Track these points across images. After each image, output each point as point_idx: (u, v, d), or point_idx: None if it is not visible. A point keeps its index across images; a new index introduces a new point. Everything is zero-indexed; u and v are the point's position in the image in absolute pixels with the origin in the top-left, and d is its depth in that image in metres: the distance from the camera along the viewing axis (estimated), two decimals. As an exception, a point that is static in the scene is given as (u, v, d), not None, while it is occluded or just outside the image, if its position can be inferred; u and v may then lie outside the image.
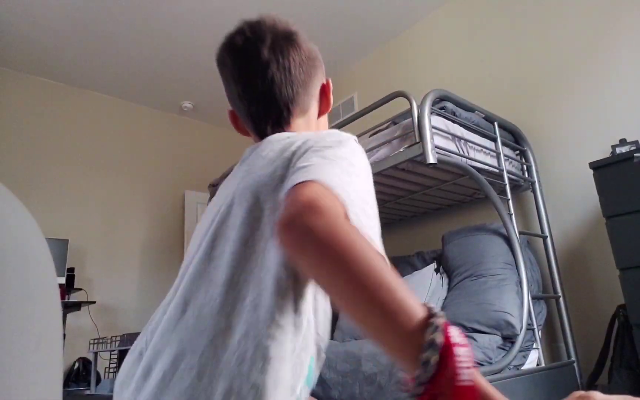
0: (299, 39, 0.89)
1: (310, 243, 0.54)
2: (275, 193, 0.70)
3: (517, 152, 2.78)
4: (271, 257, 0.66)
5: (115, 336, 2.67)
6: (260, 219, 0.70)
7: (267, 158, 0.75)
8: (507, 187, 2.44)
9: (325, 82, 0.94)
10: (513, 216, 2.39)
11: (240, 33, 0.88)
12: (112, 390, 2.46)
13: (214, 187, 3.59)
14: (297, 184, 0.62)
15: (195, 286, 0.69)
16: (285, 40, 0.87)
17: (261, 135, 0.87)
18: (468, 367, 0.46)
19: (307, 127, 0.90)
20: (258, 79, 0.84)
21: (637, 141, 2.25)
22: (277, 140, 0.78)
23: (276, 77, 0.84)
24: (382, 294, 0.50)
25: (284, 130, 0.86)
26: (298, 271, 0.66)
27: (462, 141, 2.31)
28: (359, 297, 0.51)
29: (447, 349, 0.46)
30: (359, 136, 2.59)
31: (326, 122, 0.98)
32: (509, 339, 2.16)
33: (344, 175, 0.65)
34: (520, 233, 2.40)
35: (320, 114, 0.94)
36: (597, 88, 2.62)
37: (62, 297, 3.52)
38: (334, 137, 0.74)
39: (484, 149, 2.46)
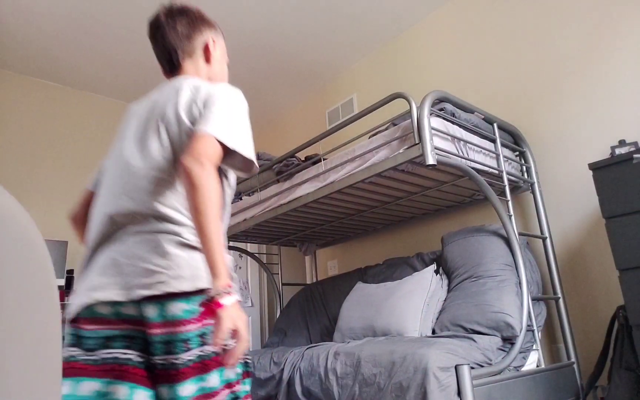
0: (189, 9, 1.33)
1: (192, 185, 0.99)
2: (189, 114, 1.14)
3: (517, 153, 2.79)
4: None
5: (115, 338, 2.67)
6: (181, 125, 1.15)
7: (184, 91, 1.17)
8: (507, 188, 2.44)
9: (211, 41, 1.34)
10: (512, 217, 2.39)
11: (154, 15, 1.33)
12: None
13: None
14: (199, 134, 1.05)
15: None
16: (177, 10, 1.31)
17: (170, 72, 1.31)
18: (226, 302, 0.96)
19: (196, 68, 1.31)
20: (158, 33, 1.29)
21: (636, 142, 2.26)
22: (189, 83, 1.20)
23: (167, 31, 1.28)
24: (215, 237, 0.98)
25: (179, 68, 1.30)
26: None
27: (462, 142, 2.31)
28: (205, 229, 0.97)
29: (227, 293, 0.96)
30: (358, 138, 2.60)
31: (218, 70, 1.37)
32: (508, 340, 2.16)
33: (226, 119, 1.09)
34: (519, 234, 2.40)
35: (206, 61, 1.33)
36: (597, 89, 2.63)
37: (62, 299, 3.52)
38: (224, 91, 1.16)
39: (483, 150, 2.46)
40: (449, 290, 2.57)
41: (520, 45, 3.01)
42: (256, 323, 4.78)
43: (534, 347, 2.28)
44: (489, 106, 3.09)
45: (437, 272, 2.69)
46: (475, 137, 2.46)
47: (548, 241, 2.61)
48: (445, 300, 2.52)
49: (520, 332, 2.11)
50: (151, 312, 0.99)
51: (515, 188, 2.80)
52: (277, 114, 5.05)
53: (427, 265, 2.87)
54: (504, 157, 2.56)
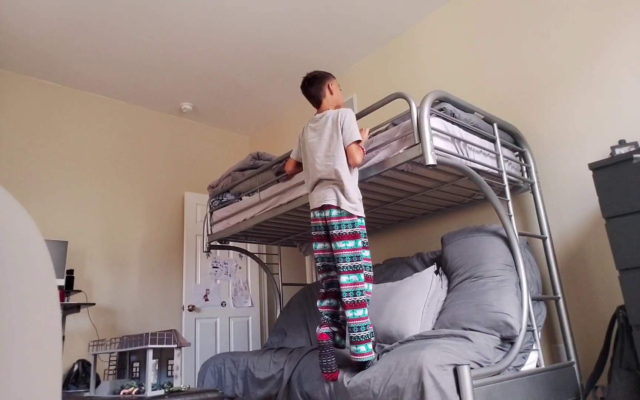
0: (318, 74, 2.45)
1: (355, 165, 2.23)
2: (339, 127, 2.25)
3: (517, 153, 2.79)
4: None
5: (115, 338, 2.67)
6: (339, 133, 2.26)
7: (332, 118, 2.30)
8: (507, 188, 2.44)
9: (330, 84, 2.43)
10: (512, 217, 2.39)
11: (304, 79, 2.47)
12: (111, 392, 2.46)
13: (213, 189, 3.60)
14: (352, 143, 2.21)
15: None
16: (313, 77, 2.44)
17: (318, 107, 2.44)
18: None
19: (328, 101, 2.41)
20: (308, 92, 2.45)
21: (636, 142, 2.26)
22: (332, 113, 2.32)
23: (310, 87, 2.43)
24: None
25: (322, 104, 2.42)
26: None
27: (462, 142, 2.31)
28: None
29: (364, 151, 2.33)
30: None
31: (339, 96, 2.46)
32: (508, 340, 2.16)
33: (354, 127, 2.25)
34: (519, 234, 2.40)
35: (331, 94, 2.42)
36: (596, 89, 2.63)
37: (62, 299, 3.52)
38: (350, 114, 2.28)
39: (483, 150, 2.46)
40: (448, 290, 2.57)
41: (520, 45, 3.01)
42: (256, 323, 4.78)
43: (534, 347, 2.28)
44: (489, 106, 3.09)
45: (437, 272, 2.69)
46: (475, 137, 2.46)
47: (548, 241, 2.61)
48: (445, 301, 2.52)
49: (520, 332, 2.10)
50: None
51: (515, 188, 2.80)
52: (277, 114, 5.05)
53: (427, 266, 2.86)
54: (504, 157, 2.56)
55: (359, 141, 2.21)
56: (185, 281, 4.41)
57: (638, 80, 2.48)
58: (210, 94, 4.54)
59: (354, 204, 2.17)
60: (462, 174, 2.44)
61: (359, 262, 2.11)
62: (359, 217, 2.17)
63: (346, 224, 2.13)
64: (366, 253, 2.21)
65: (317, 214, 2.22)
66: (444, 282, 2.62)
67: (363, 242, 2.18)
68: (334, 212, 2.15)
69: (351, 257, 2.10)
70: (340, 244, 2.12)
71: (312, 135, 2.33)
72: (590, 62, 2.67)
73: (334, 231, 2.14)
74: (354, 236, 2.13)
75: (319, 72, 2.46)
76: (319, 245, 2.25)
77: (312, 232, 2.27)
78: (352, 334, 2.06)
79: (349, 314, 2.07)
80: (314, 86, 2.41)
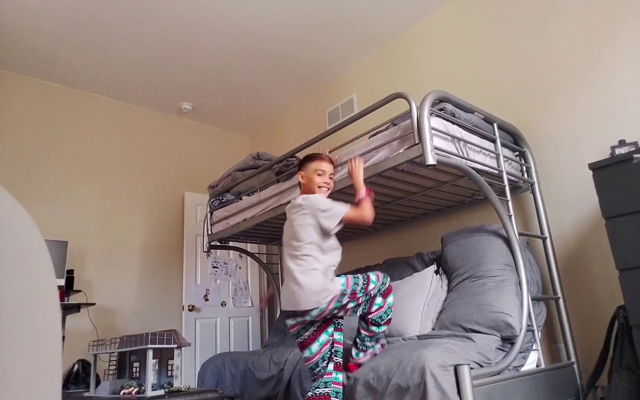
0: (301, 160, 2.32)
1: (358, 222, 2.18)
2: (315, 217, 2.07)
3: (517, 153, 2.79)
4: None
5: (115, 338, 2.67)
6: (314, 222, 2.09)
7: (299, 204, 2.13)
8: (507, 188, 2.44)
9: (301, 174, 2.27)
10: (512, 217, 2.39)
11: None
12: (111, 392, 2.46)
13: (213, 189, 3.60)
14: (349, 212, 2.11)
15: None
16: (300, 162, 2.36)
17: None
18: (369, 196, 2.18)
19: (303, 189, 2.28)
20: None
21: (636, 142, 2.26)
22: (300, 199, 2.13)
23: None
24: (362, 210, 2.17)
25: (301, 190, 2.29)
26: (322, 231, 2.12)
27: (462, 142, 2.31)
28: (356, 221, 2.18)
29: (368, 193, 2.18)
30: (358, 138, 2.59)
31: (311, 182, 2.23)
32: (508, 340, 2.16)
33: (332, 204, 2.11)
34: (519, 234, 2.40)
35: (299, 185, 2.32)
36: (597, 89, 2.63)
37: (62, 299, 3.52)
38: (318, 198, 2.14)
39: (483, 150, 2.46)
40: (448, 290, 2.57)
41: (520, 45, 3.01)
42: (256, 323, 4.78)
43: (534, 347, 2.28)
44: (489, 106, 3.08)
45: (437, 272, 2.69)
46: (475, 137, 2.45)
47: (548, 241, 2.61)
48: (445, 300, 2.52)
49: (520, 332, 2.10)
50: None
51: (515, 188, 2.80)
52: (277, 114, 5.05)
53: (427, 266, 2.86)
54: (504, 157, 2.56)
55: (354, 203, 2.15)
56: (185, 281, 4.41)
57: (638, 80, 2.48)
58: (210, 94, 4.54)
59: (326, 290, 1.94)
60: (462, 174, 2.44)
61: (369, 289, 2.04)
62: (340, 291, 1.97)
63: (339, 302, 1.97)
64: (374, 276, 2.12)
65: (291, 321, 2.00)
66: (444, 282, 2.62)
67: (360, 287, 2.03)
68: (316, 312, 1.94)
69: (363, 300, 2.04)
70: (350, 312, 2.05)
71: (287, 221, 2.20)
72: (590, 62, 2.67)
73: (337, 312, 2.00)
74: (353, 296, 2.00)
75: (303, 158, 2.32)
76: (315, 347, 2.00)
77: (297, 340, 2.04)
78: (365, 343, 2.11)
79: (374, 329, 2.10)
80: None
